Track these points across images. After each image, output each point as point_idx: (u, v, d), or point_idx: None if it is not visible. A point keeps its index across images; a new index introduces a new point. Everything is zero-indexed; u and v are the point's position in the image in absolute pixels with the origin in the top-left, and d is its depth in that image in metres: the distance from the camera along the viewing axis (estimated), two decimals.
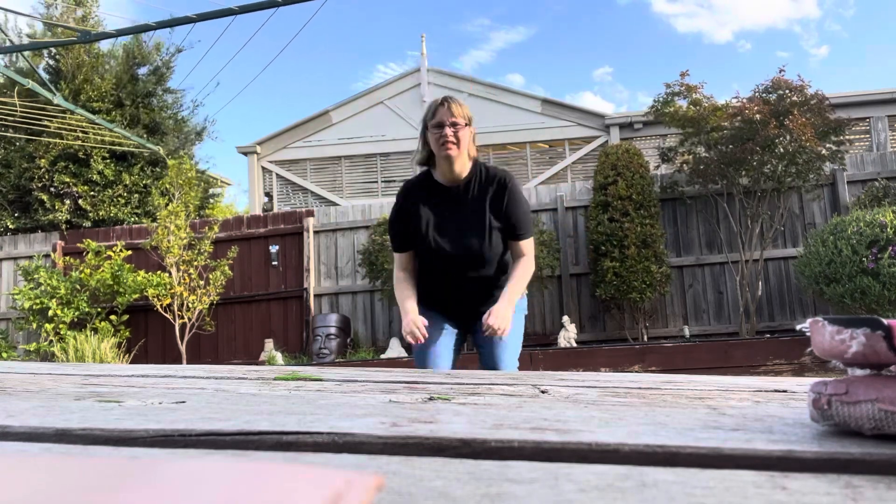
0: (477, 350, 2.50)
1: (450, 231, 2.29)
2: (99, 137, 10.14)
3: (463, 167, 2.29)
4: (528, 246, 2.35)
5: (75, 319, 7.67)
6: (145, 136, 10.75)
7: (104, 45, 11.38)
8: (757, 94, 7.51)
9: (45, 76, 10.34)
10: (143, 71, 11.41)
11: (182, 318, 7.58)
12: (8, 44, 10.36)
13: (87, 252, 8.14)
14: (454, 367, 2.49)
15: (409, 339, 2.21)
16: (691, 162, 7.67)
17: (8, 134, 10.31)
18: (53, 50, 10.81)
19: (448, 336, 2.41)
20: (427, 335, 2.23)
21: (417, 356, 2.38)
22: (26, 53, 10.10)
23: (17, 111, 9.75)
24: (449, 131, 2.21)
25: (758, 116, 7.12)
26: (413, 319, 2.23)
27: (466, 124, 2.25)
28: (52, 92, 9.55)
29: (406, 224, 2.34)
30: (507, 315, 2.18)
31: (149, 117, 11.00)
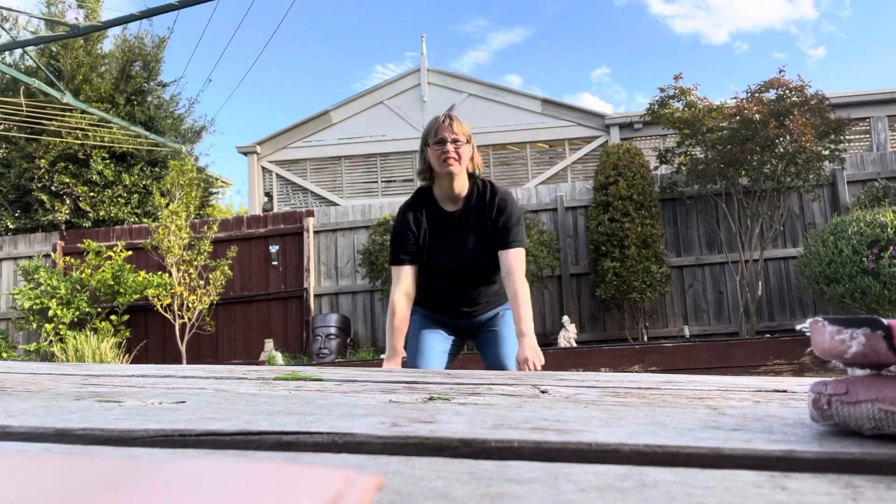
0: (480, 352, 2.53)
1: (448, 248, 2.34)
2: (102, 137, 10.14)
3: (462, 185, 2.33)
4: (518, 259, 2.27)
5: (75, 319, 7.67)
6: (137, 139, 10.75)
7: (105, 46, 11.41)
8: (749, 93, 7.50)
9: (49, 76, 10.34)
10: (136, 67, 11.37)
11: (182, 318, 7.58)
12: (6, 40, 10.36)
13: (88, 252, 8.14)
14: (451, 361, 2.55)
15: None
16: (688, 163, 7.68)
17: (10, 134, 10.32)
18: (54, 50, 10.82)
19: (443, 342, 2.47)
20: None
21: (411, 363, 2.44)
22: (31, 53, 10.11)
23: (23, 111, 9.76)
24: (450, 147, 2.25)
25: (757, 116, 7.11)
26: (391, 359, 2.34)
27: (467, 141, 2.28)
28: (62, 91, 9.56)
29: (407, 239, 2.36)
30: (538, 348, 2.20)
31: (144, 115, 10.97)
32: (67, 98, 9.50)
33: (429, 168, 2.33)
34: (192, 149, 11.93)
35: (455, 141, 2.26)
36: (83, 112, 9.93)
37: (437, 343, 2.44)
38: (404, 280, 2.33)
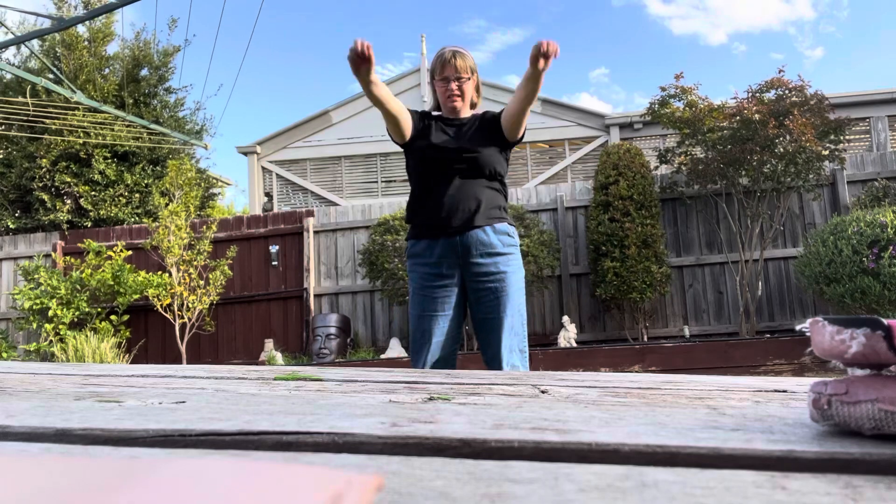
0: (473, 321, 2.43)
1: (446, 140, 2.42)
2: (104, 136, 10.15)
3: (465, 114, 2.51)
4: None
5: (75, 319, 7.67)
6: (146, 135, 10.77)
7: (111, 49, 11.45)
8: (750, 93, 7.51)
9: (50, 77, 10.36)
10: (144, 72, 11.45)
11: (182, 318, 7.58)
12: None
13: (88, 252, 8.14)
14: (458, 333, 2.43)
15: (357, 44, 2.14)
16: (688, 163, 7.68)
17: (12, 133, 10.32)
18: (58, 51, 10.84)
19: (447, 320, 2.36)
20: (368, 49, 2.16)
21: (414, 324, 2.38)
22: (35, 49, 10.10)
23: (29, 111, 9.78)
24: (454, 85, 2.42)
25: (756, 116, 7.11)
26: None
27: (470, 77, 2.44)
28: (72, 90, 9.57)
29: (415, 125, 2.46)
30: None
31: (150, 116, 11.04)
32: (78, 96, 9.51)
33: (437, 99, 2.52)
34: (204, 137, 11.98)
35: (459, 78, 2.42)
36: (95, 110, 9.95)
37: (440, 324, 2.34)
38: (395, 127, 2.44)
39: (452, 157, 2.37)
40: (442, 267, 2.36)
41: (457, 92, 2.41)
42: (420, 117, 2.48)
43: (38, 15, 9.97)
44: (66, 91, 9.43)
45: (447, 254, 2.35)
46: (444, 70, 2.40)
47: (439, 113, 2.54)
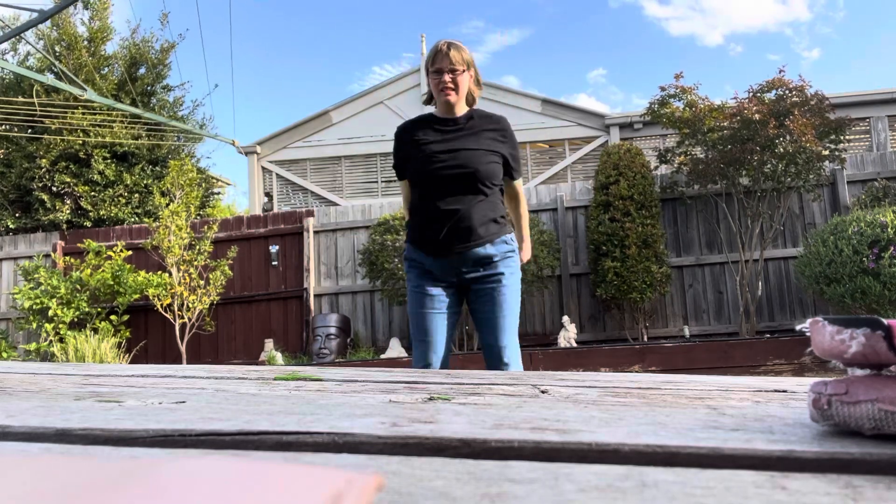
0: (474, 319, 2.48)
1: (447, 150, 2.37)
2: (104, 135, 10.15)
3: (461, 109, 2.44)
4: (520, 186, 2.61)
5: (75, 319, 7.67)
6: (145, 134, 10.77)
7: (109, 48, 11.45)
8: (751, 93, 7.51)
9: (52, 76, 10.36)
10: (142, 71, 11.45)
11: (182, 318, 7.58)
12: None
13: (88, 252, 8.14)
14: (452, 332, 2.49)
15: None
16: (689, 163, 7.68)
17: (12, 134, 10.33)
18: (58, 51, 10.84)
19: (443, 317, 2.42)
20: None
21: (414, 321, 2.43)
22: (35, 49, 10.08)
23: (37, 110, 9.78)
24: (447, 77, 2.35)
25: (756, 116, 7.11)
26: None
27: (465, 70, 2.37)
28: (83, 87, 9.57)
29: (404, 155, 2.45)
30: (529, 247, 2.66)
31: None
32: (89, 94, 9.52)
33: (431, 93, 2.46)
34: (208, 129, 11.99)
35: (452, 70, 2.34)
36: (111, 108, 9.96)
37: (440, 320, 2.40)
38: (406, 193, 2.55)
39: (448, 173, 2.33)
40: (440, 273, 2.43)
41: (450, 85, 2.34)
42: (402, 141, 2.46)
43: (20, 8, 9.94)
44: (76, 89, 9.42)
45: (445, 268, 2.42)
46: (438, 62, 2.34)
47: (432, 111, 2.50)
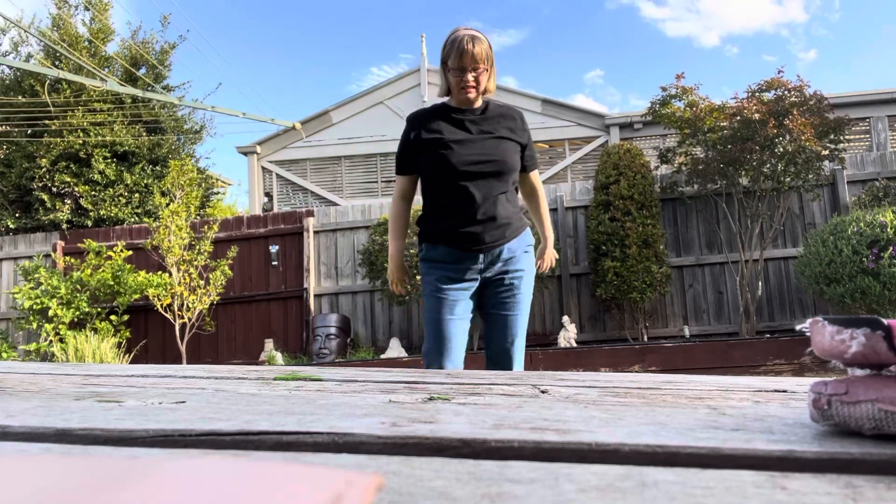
0: (485, 322, 2.41)
1: (465, 140, 2.28)
2: (104, 135, 10.15)
3: (478, 101, 2.36)
4: (537, 177, 2.57)
5: (75, 319, 7.67)
6: (145, 134, 10.78)
7: (110, 49, 11.45)
8: (750, 93, 7.51)
9: (52, 76, 10.37)
10: (142, 71, 11.46)
11: (182, 318, 7.58)
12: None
13: (88, 252, 8.14)
14: (468, 333, 2.42)
15: (392, 288, 2.50)
16: (688, 163, 7.68)
17: (14, 134, 10.33)
18: (59, 51, 10.86)
19: (464, 322, 2.32)
20: (405, 291, 2.47)
21: (433, 328, 2.30)
22: (35, 49, 10.09)
23: (51, 111, 9.80)
24: (470, 76, 2.24)
25: (756, 116, 7.11)
26: (394, 271, 2.48)
27: (487, 69, 2.27)
28: (103, 78, 9.60)
29: (413, 150, 2.34)
30: (552, 253, 2.62)
31: (150, 115, 11.04)
32: (109, 84, 9.56)
33: (448, 86, 2.33)
34: (204, 136, 12.02)
35: (476, 69, 2.24)
36: (134, 99, 9.98)
37: (461, 327, 2.30)
38: (403, 188, 2.45)
39: (477, 166, 2.23)
40: (463, 272, 2.31)
41: (472, 83, 2.23)
42: (416, 130, 2.33)
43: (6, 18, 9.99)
44: (95, 81, 9.43)
45: (470, 266, 2.31)
46: (461, 60, 2.21)
47: (445, 101, 2.38)
